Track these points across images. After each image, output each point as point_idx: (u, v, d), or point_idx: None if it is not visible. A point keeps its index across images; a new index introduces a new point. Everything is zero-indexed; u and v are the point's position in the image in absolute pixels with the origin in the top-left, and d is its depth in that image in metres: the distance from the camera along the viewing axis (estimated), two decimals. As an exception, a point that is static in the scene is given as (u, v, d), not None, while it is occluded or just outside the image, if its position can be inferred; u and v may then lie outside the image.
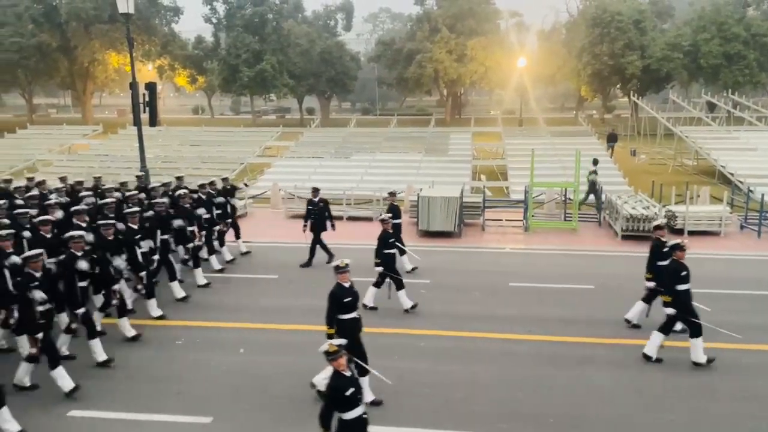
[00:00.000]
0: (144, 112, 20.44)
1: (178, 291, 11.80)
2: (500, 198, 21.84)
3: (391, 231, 11.41)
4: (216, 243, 14.04)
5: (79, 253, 9.08)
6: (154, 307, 10.91)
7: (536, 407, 7.84)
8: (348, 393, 5.68)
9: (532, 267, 13.94)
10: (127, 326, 10.00)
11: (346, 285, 7.95)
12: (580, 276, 13.01)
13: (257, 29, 53.69)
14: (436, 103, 72.29)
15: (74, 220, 11.00)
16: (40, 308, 8.02)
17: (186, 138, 32.22)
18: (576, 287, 12.37)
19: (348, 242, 15.47)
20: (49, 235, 10.32)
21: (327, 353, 5.81)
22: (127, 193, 13.61)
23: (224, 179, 15.37)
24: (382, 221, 11.46)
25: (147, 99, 20.30)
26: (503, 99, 63.04)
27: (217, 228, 14.03)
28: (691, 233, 16.45)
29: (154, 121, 20.89)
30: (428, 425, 7.44)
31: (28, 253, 8.45)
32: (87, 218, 11.25)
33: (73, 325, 9.00)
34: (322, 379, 7.77)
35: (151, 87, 20.47)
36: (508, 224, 18.28)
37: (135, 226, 10.85)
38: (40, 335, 7.97)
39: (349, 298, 7.85)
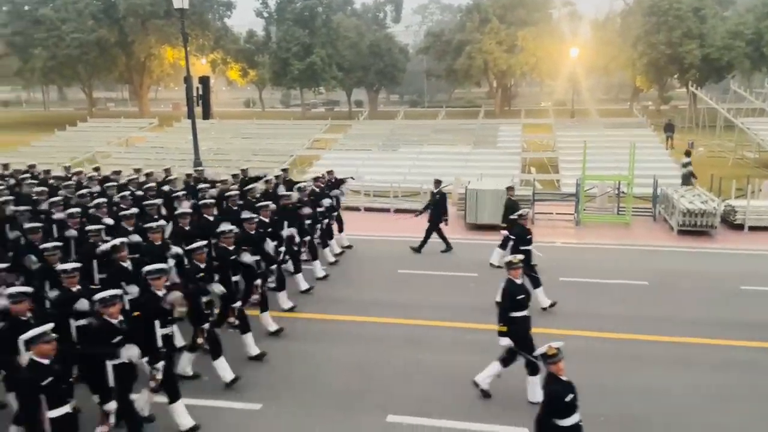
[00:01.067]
0: (197, 105, 20.97)
1: (302, 284, 11.71)
2: (550, 191, 21.45)
3: (528, 227, 10.97)
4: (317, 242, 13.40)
5: (231, 248, 8.97)
6: (284, 300, 10.84)
7: (587, 406, 7.69)
8: (567, 399, 5.47)
9: (583, 262, 13.67)
10: (269, 320, 9.87)
11: (519, 281, 7.73)
12: (633, 271, 12.68)
13: (307, 23, 54.18)
14: (485, 94, 71.38)
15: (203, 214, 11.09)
16: (205, 299, 7.96)
17: (237, 131, 32.85)
18: (629, 283, 12.06)
19: (397, 235, 15.51)
20: (187, 227, 10.55)
21: (545, 356, 5.56)
22: (228, 192, 13.32)
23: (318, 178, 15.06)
24: (520, 216, 11.06)
25: (200, 93, 20.82)
26: (554, 90, 61.75)
27: (323, 223, 13.55)
28: (752, 228, 15.81)
29: (207, 114, 21.42)
30: (479, 420, 7.40)
31: (193, 245, 8.41)
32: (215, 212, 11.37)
33: (231, 319, 8.77)
34: (485, 377, 7.71)
35: (204, 81, 20.97)
36: (558, 218, 17.97)
37: (266, 220, 10.76)
38: (206, 326, 7.87)
39: (522, 296, 7.63)
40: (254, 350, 8.93)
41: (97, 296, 6.59)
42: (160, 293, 7.10)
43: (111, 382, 6.44)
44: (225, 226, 9.27)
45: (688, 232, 15.58)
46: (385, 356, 9.01)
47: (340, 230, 14.70)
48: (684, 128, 37.41)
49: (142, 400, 7.05)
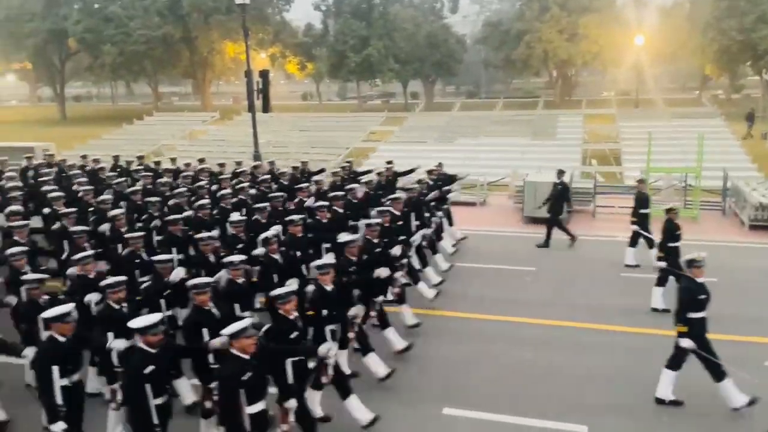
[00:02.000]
0: (257, 99, 21.39)
1: (433, 277, 11.52)
2: (613, 184, 20.82)
3: (676, 221, 10.22)
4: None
5: (376, 240, 8.95)
6: (427, 290, 10.61)
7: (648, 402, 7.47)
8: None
9: (646, 256, 13.21)
10: (409, 314, 9.67)
11: (700, 281, 7.30)
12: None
13: (364, 15, 54.32)
14: (544, 84, 69.83)
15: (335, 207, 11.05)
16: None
17: (295, 124, 33.33)
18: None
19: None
20: (325, 221, 10.50)
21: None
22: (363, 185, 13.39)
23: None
24: (670, 211, 10.32)
25: (260, 86, 21.22)
26: (618, 79, 59.81)
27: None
28: (832, 224, 14.92)
29: (266, 108, 21.82)
30: (533, 415, 7.31)
31: (346, 239, 8.44)
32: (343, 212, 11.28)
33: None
34: (665, 389, 7.37)
35: (264, 75, 21.35)
36: (621, 211, 17.39)
37: (398, 212, 10.65)
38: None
39: (703, 296, 7.23)
40: (400, 344, 8.74)
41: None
42: (329, 288, 7.09)
43: (290, 379, 6.35)
44: (372, 220, 9.32)
45: (760, 226, 14.85)
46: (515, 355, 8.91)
47: (450, 224, 14.11)
48: (758, 117, 35.59)
49: (313, 399, 6.98)
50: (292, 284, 8.08)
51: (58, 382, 5.96)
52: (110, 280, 7.01)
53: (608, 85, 67.94)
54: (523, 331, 9.63)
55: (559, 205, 13.86)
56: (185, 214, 10.74)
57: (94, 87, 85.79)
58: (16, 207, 11.21)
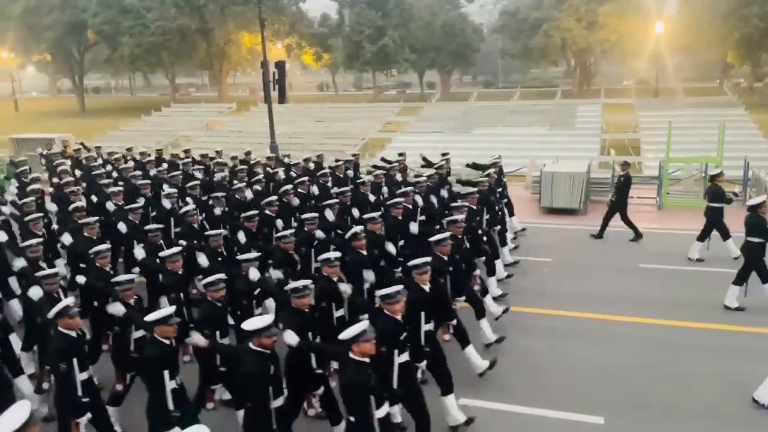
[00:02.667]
0: (274, 90, 21.43)
1: (501, 271, 11.17)
2: (632, 174, 20.56)
3: (763, 215, 9.59)
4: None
5: (460, 236, 8.77)
6: (493, 287, 10.37)
7: (666, 397, 7.43)
8: None
9: (664, 247, 13.08)
10: (492, 304, 9.35)
11: None
12: (718, 258, 12.01)
13: (380, 5, 54.13)
14: (562, 74, 69.17)
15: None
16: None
17: (311, 114, 33.39)
18: (713, 270, 11.46)
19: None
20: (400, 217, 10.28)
21: None
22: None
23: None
24: (759, 206, 9.69)
25: (276, 77, 21.26)
26: (637, 68, 58.99)
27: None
28: None
29: (282, 99, 21.86)
30: (550, 406, 7.32)
31: (438, 237, 7.97)
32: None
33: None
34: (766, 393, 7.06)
35: (280, 66, 21.38)
36: (639, 202, 17.22)
37: (474, 206, 10.38)
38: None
39: None
40: (491, 336, 8.58)
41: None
42: (426, 287, 6.70)
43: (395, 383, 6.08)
44: (457, 216, 9.14)
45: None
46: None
47: (510, 214, 13.94)
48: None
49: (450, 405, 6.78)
50: (369, 277, 8.03)
51: (79, 376, 6.05)
52: (212, 278, 6.93)
53: (627, 75, 67.08)
54: (540, 322, 9.60)
55: (623, 197, 13.56)
56: (253, 212, 10.34)
57: (112, 79, 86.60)
58: (80, 203, 11.06)
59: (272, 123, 22.54)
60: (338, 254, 7.57)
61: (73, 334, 6.15)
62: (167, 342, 5.89)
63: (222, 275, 7.05)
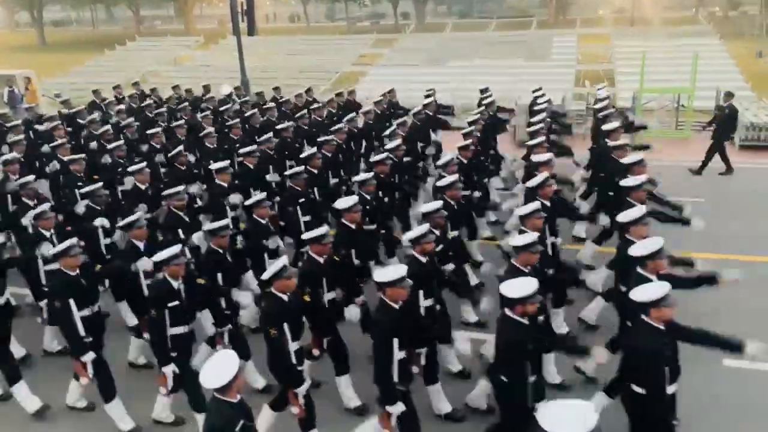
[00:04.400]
0: (242, 21, 20.70)
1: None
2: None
3: None
4: None
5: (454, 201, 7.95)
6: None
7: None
8: None
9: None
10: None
11: None
12: (689, 189, 12.23)
13: (351, -70, 51.86)
14: (538, 2, 67.83)
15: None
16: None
17: (283, 47, 32.46)
18: (683, 201, 11.67)
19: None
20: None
21: None
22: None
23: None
24: None
25: (245, 8, 20.49)
26: (614, -4, 58.08)
27: None
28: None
29: (252, 31, 21.19)
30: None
31: (430, 206, 7.14)
32: None
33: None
34: None
35: (248, -5, 20.58)
36: (612, 133, 17.35)
37: (465, 161, 9.46)
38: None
39: None
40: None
41: None
42: (424, 260, 6.16)
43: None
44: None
45: (750, 147, 14.88)
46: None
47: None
48: (753, 36, 34.94)
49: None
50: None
51: (77, 314, 6.11)
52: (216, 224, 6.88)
53: (604, 3, 66.03)
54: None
55: (725, 129, 13.25)
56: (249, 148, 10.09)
57: (73, 11, 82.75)
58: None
59: (242, 57, 21.86)
60: None
61: (72, 273, 6.22)
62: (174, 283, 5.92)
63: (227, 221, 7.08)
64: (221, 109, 14.23)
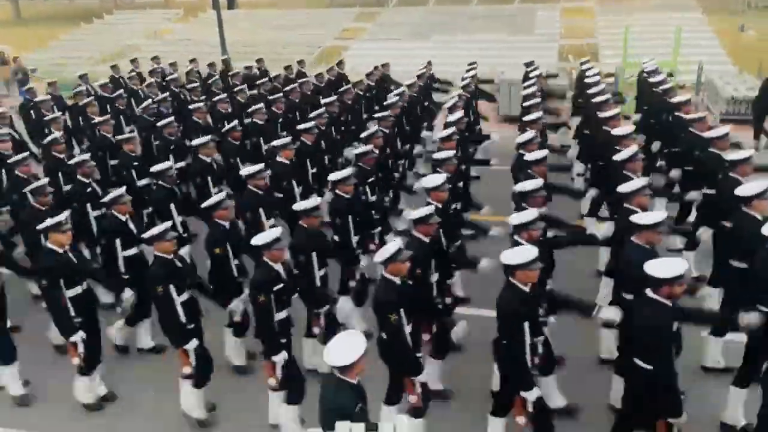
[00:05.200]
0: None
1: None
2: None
3: None
4: None
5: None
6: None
7: None
8: None
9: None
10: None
11: None
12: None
13: None
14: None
15: None
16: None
17: (264, 21, 31.97)
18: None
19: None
20: None
21: None
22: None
23: None
24: None
25: (225, -20, 20.11)
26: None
27: None
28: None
29: (232, 4, 20.83)
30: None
31: (434, 182, 6.98)
32: None
33: None
34: None
35: (228, -33, 20.19)
36: (595, 108, 17.41)
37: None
38: None
39: None
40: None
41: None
42: (426, 239, 6.03)
43: None
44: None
45: (730, 120, 15.01)
46: None
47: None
48: (736, 10, 35.02)
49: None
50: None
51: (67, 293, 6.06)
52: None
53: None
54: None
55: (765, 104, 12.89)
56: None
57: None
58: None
59: (222, 31, 21.55)
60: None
61: (61, 250, 6.10)
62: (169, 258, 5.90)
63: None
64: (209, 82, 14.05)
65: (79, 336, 6.08)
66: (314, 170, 9.31)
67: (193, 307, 6.08)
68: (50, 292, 6.00)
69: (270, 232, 5.76)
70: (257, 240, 5.65)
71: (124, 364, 7.35)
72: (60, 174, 8.98)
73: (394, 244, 5.32)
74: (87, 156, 8.56)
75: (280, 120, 11.29)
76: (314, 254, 6.43)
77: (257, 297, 5.53)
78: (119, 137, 9.71)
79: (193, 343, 5.91)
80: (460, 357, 6.88)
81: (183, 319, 5.89)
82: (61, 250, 6.08)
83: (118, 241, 6.91)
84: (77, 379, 6.46)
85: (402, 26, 28.24)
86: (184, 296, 5.95)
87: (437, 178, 6.84)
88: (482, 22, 27.83)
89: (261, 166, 7.81)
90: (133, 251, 7.04)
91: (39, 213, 7.01)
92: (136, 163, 9.20)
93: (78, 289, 6.17)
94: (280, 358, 5.61)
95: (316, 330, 6.50)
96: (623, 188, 6.39)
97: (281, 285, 5.67)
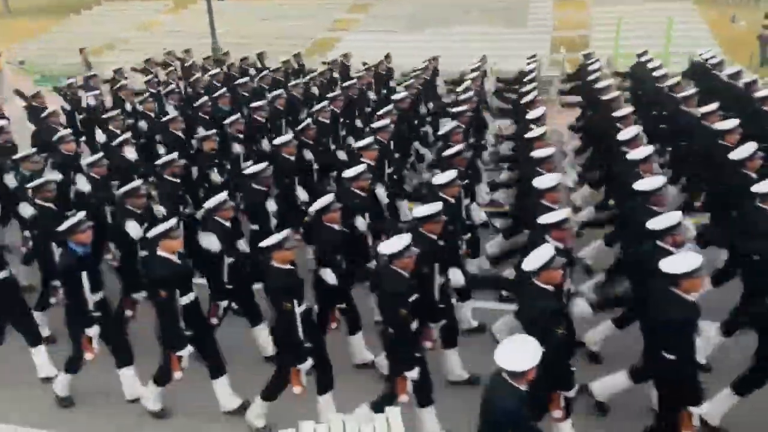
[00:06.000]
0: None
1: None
2: (582, 71, 20.59)
3: None
4: None
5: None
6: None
7: None
8: None
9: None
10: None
11: None
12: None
13: None
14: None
15: None
16: None
17: (255, 12, 31.74)
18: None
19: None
20: None
21: None
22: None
23: None
24: None
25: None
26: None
27: None
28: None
29: (222, -7, 20.65)
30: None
31: (444, 178, 6.97)
32: None
33: None
34: None
35: (219, -43, 20.03)
36: (588, 100, 17.43)
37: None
38: None
39: None
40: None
41: None
42: (436, 238, 5.98)
43: None
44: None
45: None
46: None
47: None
48: (729, 1, 35.05)
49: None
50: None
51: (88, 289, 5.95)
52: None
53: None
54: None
55: None
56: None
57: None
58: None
59: (213, 22, 21.38)
60: None
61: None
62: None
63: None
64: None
65: (95, 330, 6.02)
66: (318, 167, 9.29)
67: (193, 311, 5.98)
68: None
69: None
70: (267, 242, 5.53)
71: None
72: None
73: (401, 238, 5.34)
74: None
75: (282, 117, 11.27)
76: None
77: (282, 304, 5.39)
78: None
79: (188, 350, 5.82)
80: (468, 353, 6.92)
81: (182, 324, 5.80)
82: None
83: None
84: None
85: (396, 18, 28.11)
86: (187, 299, 5.85)
87: (449, 174, 6.85)
88: (476, 14, 27.75)
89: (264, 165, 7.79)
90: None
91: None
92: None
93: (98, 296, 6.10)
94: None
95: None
96: (639, 186, 6.46)
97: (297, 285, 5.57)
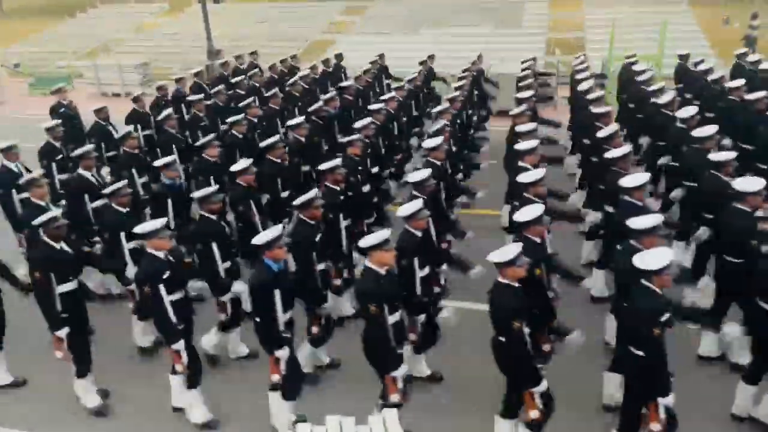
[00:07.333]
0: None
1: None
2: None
3: None
4: None
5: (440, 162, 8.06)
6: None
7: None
8: None
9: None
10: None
11: None
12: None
13: None
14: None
15: None
16: None
17: (250, 15, 31.73)
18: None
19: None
20: None
21: None
22: None
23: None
24: None
25: (210, -26, 19.94)
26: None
27: None
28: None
29: (218, -4, 20.63)
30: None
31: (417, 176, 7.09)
32: None
33: None
34: None
35: (214, -41, 20.02)
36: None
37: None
38: None
39: None
40: None
41: None
42: (418, 233, 6.11)
43: None
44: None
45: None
46: None
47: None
48: (721, 2, 35.17)
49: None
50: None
51: (58, 289, 6.02)
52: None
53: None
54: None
55: None
56: None
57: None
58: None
59: (208, 25, 21.35)
60: None
61: (57, 246, 6.10)
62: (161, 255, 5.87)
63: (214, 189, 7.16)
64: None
65: (64, 331, 6.04)
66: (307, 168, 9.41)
67: (184, 306, 6.01)
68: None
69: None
70: (258, 239, 5.57)
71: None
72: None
73: (381, 233, 5.41)
74: (249, 161, 8.00)
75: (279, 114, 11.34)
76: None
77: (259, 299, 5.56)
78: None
79: (182, 344, 5.86)
80: (460, 355, 6.99)
81: (174, 318, 5.83)
82: (57, 246, 6.09)
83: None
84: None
85: (391, 20, 28.15)
86: (175, 295, 5.87)
87: (423, 173, 7.04)
88: (471, 15, 27.80)
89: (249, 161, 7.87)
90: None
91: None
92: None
93: (69, 286, 6.12)
94: (284, 353, 5.59)
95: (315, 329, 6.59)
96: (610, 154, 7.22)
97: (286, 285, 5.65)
